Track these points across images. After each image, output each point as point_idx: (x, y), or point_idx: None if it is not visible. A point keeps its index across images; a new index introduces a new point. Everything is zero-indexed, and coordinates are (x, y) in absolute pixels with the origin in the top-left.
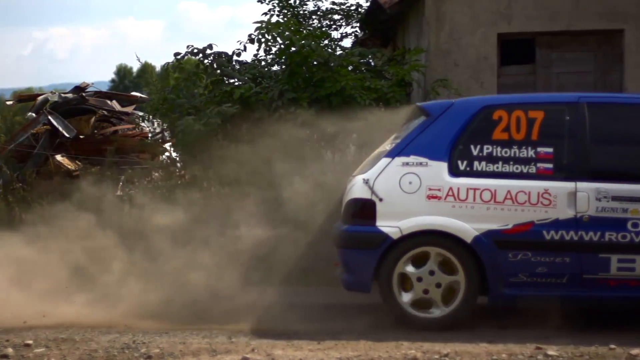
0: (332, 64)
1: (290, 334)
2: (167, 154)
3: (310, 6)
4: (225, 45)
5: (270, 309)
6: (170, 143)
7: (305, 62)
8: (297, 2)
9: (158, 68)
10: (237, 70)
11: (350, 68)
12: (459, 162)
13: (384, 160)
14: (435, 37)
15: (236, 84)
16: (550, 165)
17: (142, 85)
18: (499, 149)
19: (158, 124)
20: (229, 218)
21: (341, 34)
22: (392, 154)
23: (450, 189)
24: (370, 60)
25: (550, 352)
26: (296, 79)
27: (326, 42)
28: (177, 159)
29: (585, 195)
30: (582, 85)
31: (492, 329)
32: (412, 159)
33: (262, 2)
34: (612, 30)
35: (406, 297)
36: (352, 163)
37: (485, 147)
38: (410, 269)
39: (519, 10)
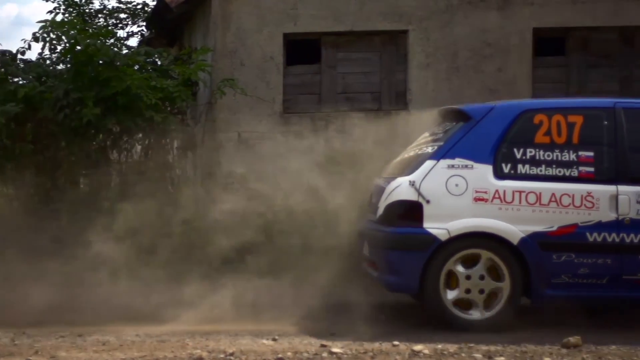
0: (117, 63)
1: (75, 335)
2: None
3: (96, 5)
4: (11, 43)
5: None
6: None
7: (90, 61)
8: (83, 0)
9: None
10: (22, 69)
11: (136, 67)
12: (503, 165)
13: (429, 163)
14: (221, 37)
15: (20, 83)
16: (591, 169)
17: None
18: (541, 152)
19: None
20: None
21: (127, 33)
22: (437, 156)
23: (497, 191)
24: (157, 60)
25: (334, 350)
26: (82, 78)
27: (112, 41)
28: None
29: (627, 199)
30: (367, 85)
31: (278, 328)
32: (458, 161)
33: (47, 0)
34: (396, 31)
35: (450, 295)
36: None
37: (528, 150)
38: (459, 269)
39: (304, 11)
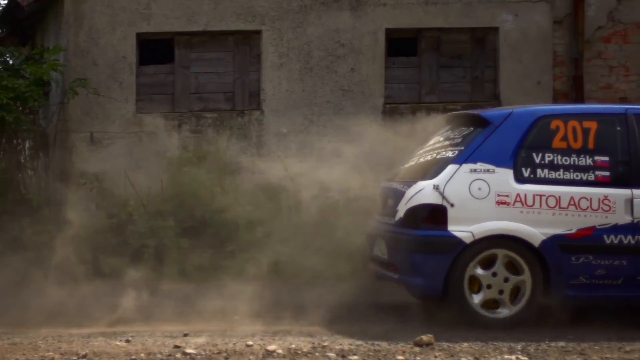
0: None
1: None
2: None
3: None
4: None
5: None
6: None
7: None
8: None
9: None
10: None
11: None
12: (523, 169)
13: (452, 167)
14: (74, 36)
15: None
16: (607, 173)
17: None
18: (559, 157)
19: None
20: None
21: None
22: (459, 160)
23: (518, 195)
24: (8, 59)
25: (188, 350)
26: None
27: None
28: None
29: None
30: (220, 85)
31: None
32: (480, 165)
33: None
34: (250, 31)
35: (477, 299)
36: None
37: (546, 155)
38: (479, 271)
39: (158, 11)
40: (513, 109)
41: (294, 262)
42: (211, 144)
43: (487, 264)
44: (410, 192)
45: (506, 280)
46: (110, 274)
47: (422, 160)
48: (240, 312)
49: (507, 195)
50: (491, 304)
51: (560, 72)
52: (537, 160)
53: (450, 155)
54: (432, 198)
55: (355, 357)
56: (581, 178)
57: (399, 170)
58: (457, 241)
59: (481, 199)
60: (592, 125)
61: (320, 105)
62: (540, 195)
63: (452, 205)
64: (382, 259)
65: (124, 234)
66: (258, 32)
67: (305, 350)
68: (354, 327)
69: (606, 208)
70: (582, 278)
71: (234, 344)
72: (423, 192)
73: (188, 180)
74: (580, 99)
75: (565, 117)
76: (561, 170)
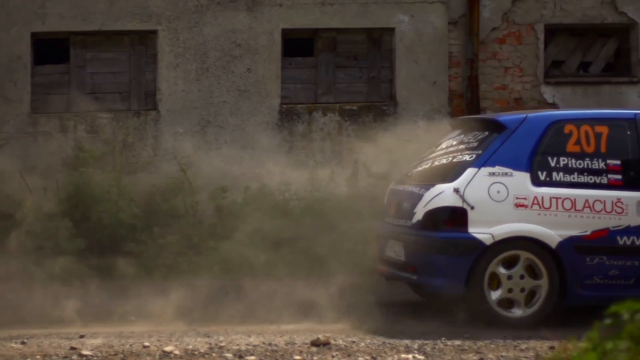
0: None
1: None
2: None
3: None
4: None
5: None
6: None
7: None
8: None
9: None
10: None
11: None
12: (539, 173)
13: (471, 170)
14: None
15: None
16: (619, 177)
17: None
18: (573, 160)
19: None
20: None
21: None
22: (478, 164)
23: (535, 197)
24: None
25: (84, 352)
26: None
27: None
28: None
29: None
30: (116, 85)
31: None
32: (498, 169)
33: None
34: (146, 31)
35: (494, 295)
36: None
37: (561, 159)
38: (501, 270)
39: (53, 10)
40: (527, 114)
41: (190, 262)
42: (107, 144)
43: (508, 264)
44: (429, 194)
45: (522, 277)
46: (5, 275)
47: (436, 163)
48: (137, 313)
49: (524, 198)
50: (506, 303)
51: (456, 72)
52: (552, 164)
53: (468, 159)
54: (453, 201)
55: (253, 357)
56: (594, 181)
57: (409, 173)
58: (478, 243)
59: (500, 202)
60: (604, 130)
61: (217, 106)
62: (557, 198)
63: (472, 207)
64: (397, 260)
65: (19, 235)
66: (154, 32)
67: (202, 350)
68: (251, 327)
69: (619, 210)
70: (596, 278)
71: (131, 345)
72: (443, 195)
73: (84, 181)
74: (475, 100)
75: (578, 121)
76: (575, 173)
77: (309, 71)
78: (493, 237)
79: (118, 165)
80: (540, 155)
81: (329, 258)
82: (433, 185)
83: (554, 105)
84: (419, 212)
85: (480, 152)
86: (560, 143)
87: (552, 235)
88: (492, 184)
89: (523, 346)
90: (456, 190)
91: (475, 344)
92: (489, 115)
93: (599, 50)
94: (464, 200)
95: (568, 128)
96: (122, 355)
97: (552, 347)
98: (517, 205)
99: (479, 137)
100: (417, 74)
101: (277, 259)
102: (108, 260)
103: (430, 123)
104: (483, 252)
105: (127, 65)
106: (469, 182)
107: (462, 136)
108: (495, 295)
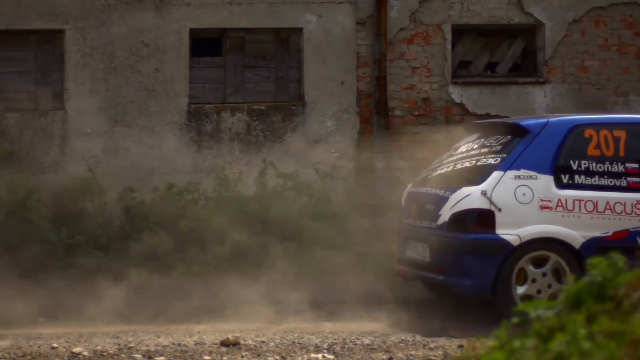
0: None
1: None
2: None
3: None
4: None
5: None
6: None
7: None
8: None
9: None
10: None
11: None
12: (562, 176)
13: (497, 174)
14: None
15: None
16: (638, 179)
17: None
18: (593, 164)
19: None
20: None
21: None
22: (504, 167)
23: (559, 200)
24: None
25: None
26: None
27: None
28: None
29: None
30: (23, 85)
31: None
32: (523, 172)
33: None
34: (53, 30)
35: (520, 290)
36: None
37: (582, 162)
38: (530, 269)
39: None
40: (548, 119)
41: (99, 263)
42: (14, 144)
43: (535, 264)
44: (455, 197)
45: (545, 276)
46: None
47: (459, 166)
48: (46, 314)
49: (549, 200)
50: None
51: (364, 72)
52: (575, 167)
53: (492, 162)
54: (481, 203)
55: (162, 357)
56: (614, 184)
57: (428, 176)
58: (506, 244)
59: (526, 204)
60: (622, 134)
61: (125, 106)
62: (579, 200)
63: (499, 210)
64: (421, 261)
65: None
66: (61, 32)
67: (111, 351)
68: (160, 327)
69: (639, 212)
70: None
71: (39, 346)
72: (471, 197)
73: None
74: (383, 100)
75: (597, 126)
76: (596, 176)
77: (217, 71)
78: (520, 238)
79: (25, 166)
80: (562, 159)
81: (238, 257)
82: (458, 188)
83: (461, 106)
84: (445, 214)
85: (504, 155)
86: (581, 147)
87: (576, 236)
88: (517, 187)
89: (432, 345)
90: (484, 193)
91: (384, 343)
92: (511, 119)
93: (506, 51)
94: (491, 203)
95: (588, 132)
96: (30, 357)
97: (460, 346)
98: (542, 207)
99: (502, 140)
100: (325, 73)
101: (187, 258)
102: (15, 261)
103: (339, 122)
104: (511, 252)
105: (34, 65)
106: (495, 185)
107: (482, 140)
108: (521, 287)
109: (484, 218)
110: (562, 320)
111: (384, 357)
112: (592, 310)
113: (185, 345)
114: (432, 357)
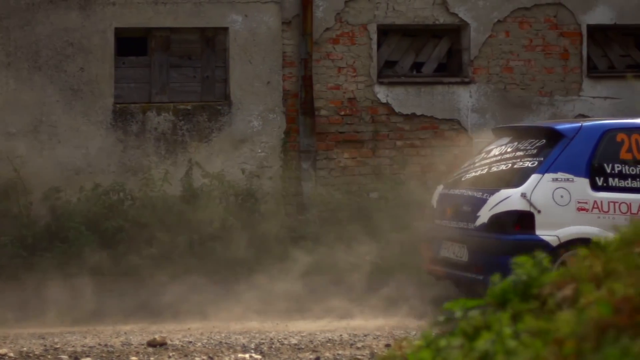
0: None
1: None
2: None
3: None
4: None
5: None
6: None
7: None
8: None
9: None
10: None
11: None
12: (597, 179)
13: (535, 176)
14: None
15: None
16: None
17: None
18: (626, 167)
19: None
20: None
21: None
22: (542, 170)
23: (595, 202)
24: None
25: None
26: None
27: None
28: None
29: None
30: None
31: None
32: (560, 175)
33: None
34: None
35: None
36: None
37: (615, 165)
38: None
39: None
40: (582, 123)
41: (25, 263)
42: None
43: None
44: (494, 199)
45: None
46: None
47: (494, 169)
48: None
49: (585, 202)
50: None
51: (290, 72)
52: (608, 170)
53: (530, 165)
54: (521, 205)
55: (88, 358)
56: None
57: (461, 178)
58: (545, 244)
59: (563, 206)
60: None
61: (50, 105)
62: (614, 202)
63: (539, 211)
64: (457, 261)
65: None
66: None
67: (37, 352)
68: (87, 328)
69: None
70: None
71: None
72: (510, 199)
73: None
74: (309, 99)
75: (628, 130)
76: (629, 179)
77: (142, 71)
78: (559, 239)
79: None
80: (596, 162)
81: (165, 257)
82: (497, 190)
83: (387, 105)
84: (484, 216)
85: (541, 159)
86: (613, 150)
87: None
88: (555, 189)
89: (359, 344)
90: (523, 195)
91: (312, 343)
92: (544, 123)
93: (432, 51)
94: (531, 204)
95: (620, 137)
96: None
97: (387, 345)
98: (579, 209)
99: (537, 144)
100: (251, 73)
101: (113, 258)
102: None
103: (265, 122)
104: (550, 253)
105: None
106: (534, 188)
107: (516, 143)
108: None
109: (524, 219)
110: (487, 319)
111: (311, 356)
112: (518, 309)
113: (112, 346)
114: (360, 357)
